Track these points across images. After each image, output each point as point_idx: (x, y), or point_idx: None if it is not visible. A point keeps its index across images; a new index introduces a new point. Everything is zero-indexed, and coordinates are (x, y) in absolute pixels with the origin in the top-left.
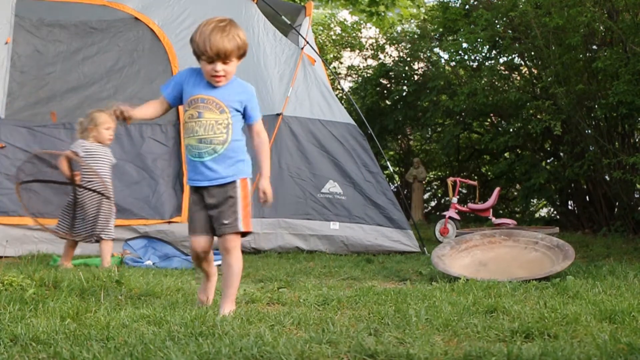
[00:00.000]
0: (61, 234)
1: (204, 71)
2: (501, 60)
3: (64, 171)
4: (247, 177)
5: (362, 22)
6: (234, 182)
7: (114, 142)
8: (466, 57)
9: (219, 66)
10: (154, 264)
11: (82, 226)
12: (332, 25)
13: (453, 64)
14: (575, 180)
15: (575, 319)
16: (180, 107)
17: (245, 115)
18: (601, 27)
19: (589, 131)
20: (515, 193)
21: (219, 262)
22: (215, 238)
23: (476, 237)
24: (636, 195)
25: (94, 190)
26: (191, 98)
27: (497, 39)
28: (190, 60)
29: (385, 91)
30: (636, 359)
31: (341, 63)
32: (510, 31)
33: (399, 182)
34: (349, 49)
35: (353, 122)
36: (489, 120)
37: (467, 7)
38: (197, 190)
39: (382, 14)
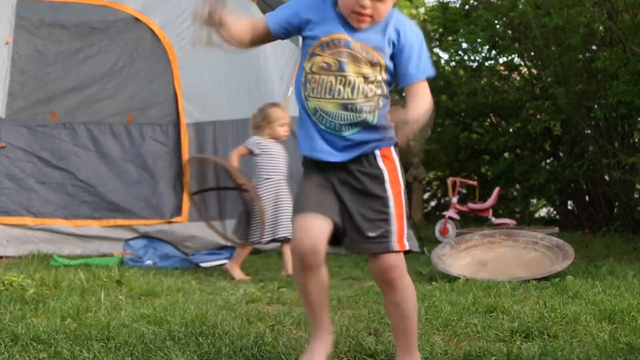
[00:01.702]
0: (241, 242)
1: (343, 4)
2: (501, 61)
3: (236, 174)
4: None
5: None
6: (382, 170)
7: (114, 142)
8: (466, 57)
9: (368, 1)
10: (154, 263)
11: (259, 230)
12: None
13: (453, 64)
14: (575, 180)
15: (575, 319)
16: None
17: (399, 69)
18: (601, 28)
19: (589, 131)
20: (515, 193)
21: (218, 262)
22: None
23: (476, 237)
24: (636, 195)
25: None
26: (327, 37)
27: (496, 39)
28: (190, 61)
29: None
30: (635, 358)
31: None
32: (509, 31)
33: None
34: None
35: None
36: (488, 120)
37: (466, 7)
38: (319, 166)
39: None
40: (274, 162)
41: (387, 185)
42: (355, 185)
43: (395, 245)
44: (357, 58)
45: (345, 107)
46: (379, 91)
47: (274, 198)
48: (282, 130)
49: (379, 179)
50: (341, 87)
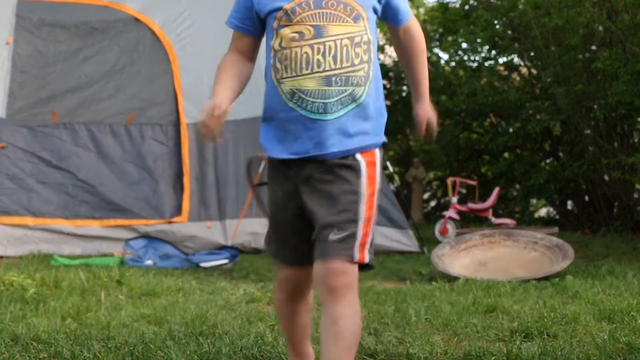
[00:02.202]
0: None
1: None
2: (500, 61)
3: None
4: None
5: None
6: (359, 164)
7: (114, 142)
8: (466, 57)
9: None
10: (154, 263)
11: None
12: None
13: (453, 64)
14: (574, 181)
15: (575, 319)
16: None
17: (388, 12)
18: (600, 28)
19: (588, 131)
20: (515, 193)
21: (218, 262)
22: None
23: (476, 237)
24: (635, 196)
25: None
26: (292, 3)
27: (496, 39)
28: (190, 61)
29: (385, 91)
30: (635, 358)
31: None
32: (509, 31)
33: (398, 182)
34: None
35: None
36: (488, 120)
37: (466, 7)
38: (290, 167)
39: None
40: None
41: (363, 180)
42: (324, 179)
43: (356, 253)
44: (334, 17)
45: (329, 80)
46: (366, 56)
47: None
48: None
49: (354, 171)
50: (320, 58)
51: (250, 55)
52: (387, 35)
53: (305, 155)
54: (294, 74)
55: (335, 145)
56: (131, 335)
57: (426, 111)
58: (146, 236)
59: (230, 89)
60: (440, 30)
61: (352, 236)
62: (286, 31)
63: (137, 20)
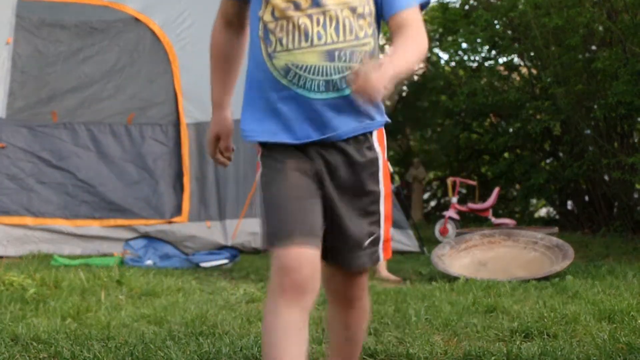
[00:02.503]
0: None
1: None
2: (500, 61)
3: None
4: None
5: None
6: (376, 156)
7: (114, 142)
8: (466, 57)
9: None
10: (154, 263)
11: None
12: None
13: (453, 64)
14: (574, 181)
15: (575, 319)
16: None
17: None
18: (600, 28)
19: (588, 131)
20: (515, 193)
21: (218, 262)
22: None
23: (476, 237)
24: (635, 196)
25: None
26: None
27: (496, 39)
28: (190, 61)
29: None
30: (635, 358)
31: None
32: (509, 31)
33: (398, 182)
34: None
35: None
36: (488, 120)
37: (466, 7)
38: (291, 152)
39: None
40: None
41: (381, 175)
42: (345, 176)
43: (381, 255)
44: None
45: (331, 55)
46: (370, 30)
47: None
48: None
49: (373, 165)
50: (321, 30)
51: (241, 24)
52: (387, 36)
53: (306, 141)
54: (291, 47)
55: (341, 125)
56: (131, 335)
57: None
58: (146, 236)
59: (228, 91)
60: (440, 30)
61: (378, 239)
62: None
63: (137, 20)
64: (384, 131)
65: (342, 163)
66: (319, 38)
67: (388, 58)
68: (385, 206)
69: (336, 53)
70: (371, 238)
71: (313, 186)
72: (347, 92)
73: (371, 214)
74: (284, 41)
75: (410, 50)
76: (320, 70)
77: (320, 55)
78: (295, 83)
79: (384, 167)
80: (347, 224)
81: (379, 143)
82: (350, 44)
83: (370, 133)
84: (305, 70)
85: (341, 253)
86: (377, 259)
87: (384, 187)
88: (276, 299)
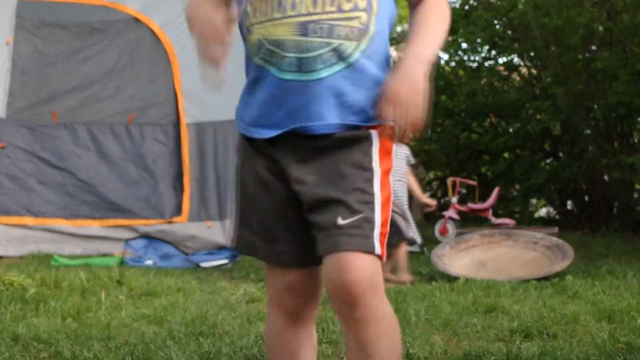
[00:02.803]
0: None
1: None
2: (500, 61)
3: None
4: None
5: None
6: (368, 132)
7: (114, 142)
8: (466, 57)
9: None
10: (154, 263)
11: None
12: None
13: (453, 64)
14: (574, 181)
15: (574, 319)
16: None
17: None
18: (600, 28)
19: (588, 131)
20: (515, 193)
21: (218, 262)
22: None
23: (476, 237)
24: (635, 196)
25: None
26: None
27: (496, 39)
28: (190, 61)
29: None
30: (634, 358)
31: None
32: (509, 32)
33: None
34: None
35: None
36: (488, 120)
37: (466, 7)
38: (273, 146)
39: None
40: (396, 163)
41: (375, 152)
42: (320, 151)
43: (376, 245)
44: None
45: (304, 29)
46: (364, 3)
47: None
48: None
49: (362, 138)
50: None
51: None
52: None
53: (279, 132)
54: (263, 18)
55: (316, 117)
56: (131, 335)
57: (399, 83)
58: (146, 236)
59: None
60: None
61: (368, 221)
62: None
63: (137, 20)
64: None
65: (309, 146)
66: (293, 7)
67: (412, 49)
68: (382, 190)
69: (310, 26)
70: (354, 217)
71: (279, 186)
72: (323, 74)
73: (356, 190)
74: (258, 11)
75: (435, 29)
76: (292, 46)
77: (292, 27)
78: (268, 61)
79: (382, 149)
80: (314, 192)
81: (376, 128)
82: (330, 16)
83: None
84: (276, 46)
85: (320, 235)
86: (370, 247)
87: (380, 169)
88: (274, 316)
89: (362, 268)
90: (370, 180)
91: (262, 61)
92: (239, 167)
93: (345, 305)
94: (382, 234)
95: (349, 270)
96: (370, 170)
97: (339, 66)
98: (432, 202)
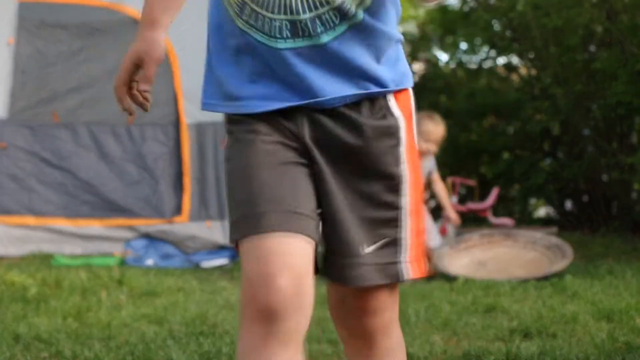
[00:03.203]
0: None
1: None
2: (500, 61)
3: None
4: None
5: None
6: (396, 123)
7: (114, 142)
8: (465, 58)
9: None
10: (155, 263)
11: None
12: None
13: (452, 65)
14: (573, 181)
15: (574, 318)
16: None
17: None
18: (600, 29)
19: (588, 132)
20: (514, 193)
21: (219, 262)
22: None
23: (475, 237)
24: (634, 196)
25: None
26: None
27: (495, 39)
28: (190, 61)
29: None
30: (634, 357)
31: None
32: (509, 32)
33: None
34: None
35: None
36: (487, 120)
37: (466, 8)
38: (275, 121)
39: None
40: None
41: (402, 151)
42: (344, 146)
43: (404, 270)
44: None
45: None
46: None
47: None
48: (424, 145)
49: (391, 135)
50: None
51: None
52: None
53: (279, 106)
54: None
55: (327, 88)
56: (132, 334)
57: None
58: (147, 236)
59: (169, 8)
60: (440, 31)
61: (395, 244)
62: None
63: (137, 21)
64: (411, 95)
65: (340, 128)
66: None
67: None
68: (412, 199)
69: None
70: (379, 243)
71: (298, 159)
72: (325, 39)
73: (383, 206)
74: None
75: None
76: (282, 5)
77: None
78: (253, 25)
79: (409, 142)
80: (341, 217)
81: (400, 109)
82: None
83: (384, 96)
84: (262, 6)
85: (335, 262)
86: (396, 276)
87: (410, 170)
88: (248, 327)
89: (385, 304)
90: (396, 191)
91: (244, 24)
92: (230, 146)
93: (361, 342)
94: (418, 246)
95: (375, 313)
96: (398, 177)
97: (343, 26)
98: (458, 220)
